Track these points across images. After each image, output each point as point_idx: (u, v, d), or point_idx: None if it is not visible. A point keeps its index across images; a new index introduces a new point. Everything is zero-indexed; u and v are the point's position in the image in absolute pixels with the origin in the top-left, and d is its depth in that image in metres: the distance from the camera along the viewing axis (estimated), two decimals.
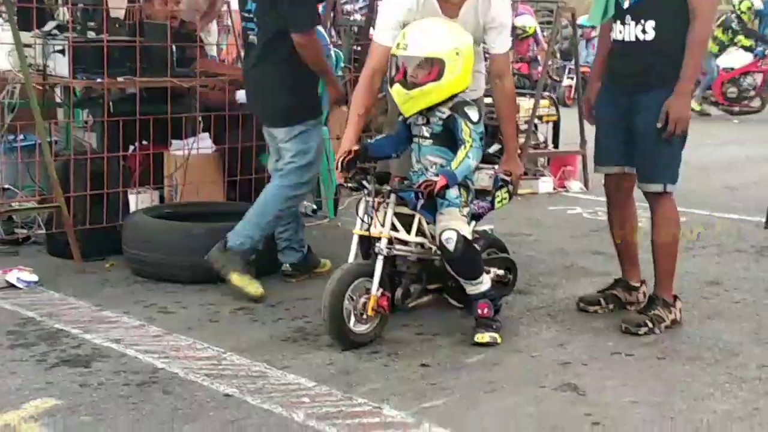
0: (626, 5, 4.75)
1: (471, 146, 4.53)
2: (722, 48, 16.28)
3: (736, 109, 16.94)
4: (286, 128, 5.64)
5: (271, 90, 5.71)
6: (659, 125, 4.64)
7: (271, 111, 5.78)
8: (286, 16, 5.40)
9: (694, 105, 12.22)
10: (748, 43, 14.72)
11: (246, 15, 5.86)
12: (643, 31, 4.69)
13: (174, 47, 6.36)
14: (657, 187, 4.82)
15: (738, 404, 4.00)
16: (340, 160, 4.71)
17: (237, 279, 5.45)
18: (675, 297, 4.98)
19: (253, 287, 5.47)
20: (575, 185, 8.88)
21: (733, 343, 4.79)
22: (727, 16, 15.10)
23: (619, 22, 4.79)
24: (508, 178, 4.96)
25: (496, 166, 5.06)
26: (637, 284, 5.28)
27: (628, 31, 4.76)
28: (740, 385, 4.21)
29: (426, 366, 4.35)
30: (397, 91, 4.61)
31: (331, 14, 10.35)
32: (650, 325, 4.83)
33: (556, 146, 9.40)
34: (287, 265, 6.03)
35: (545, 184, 8.67)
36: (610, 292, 5.30)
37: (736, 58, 16.61)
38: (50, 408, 3.71)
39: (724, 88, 16.65)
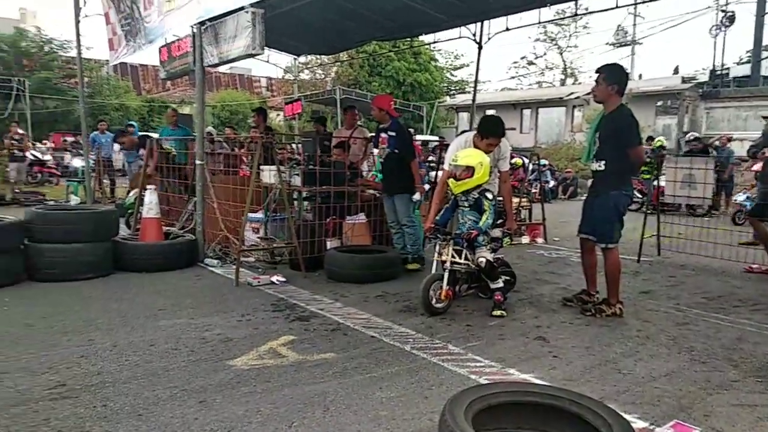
0: (594, 153, 4.60)
1: (489, 213, 4.58)
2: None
3: None
4: None
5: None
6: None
7: None
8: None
9: None
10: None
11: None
12: (599, 166, 4.56)
13: (348, 172, 6.51)
14: (603, 245, 4.60)
15: (627, 348, 3.93)
16: (427, 228, 4.86)
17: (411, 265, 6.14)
18: (618, 300, 4.64)
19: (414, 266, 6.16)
20: (539, 240, 8.72)
21: (626, 317, 4.64)
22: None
23: (593, 160, 4.61)
24: (509, 232, 4.99)
25: (504, 228, 5.05)
26: (593, 293, 4.85)
27: (594, 166, 4.61)
28: (628, 339, 4.13)
29: (469, 325, 4.37)
30: (452, 182, 4.66)
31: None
32: (593, 311, 4.64)
33: (529, 220, 9.35)
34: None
35: (525, 238, 8.54)
36: (578, 296, 4.92)
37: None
38: (289, 340, 3.92)
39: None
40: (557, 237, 8.91)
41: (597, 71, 4.59)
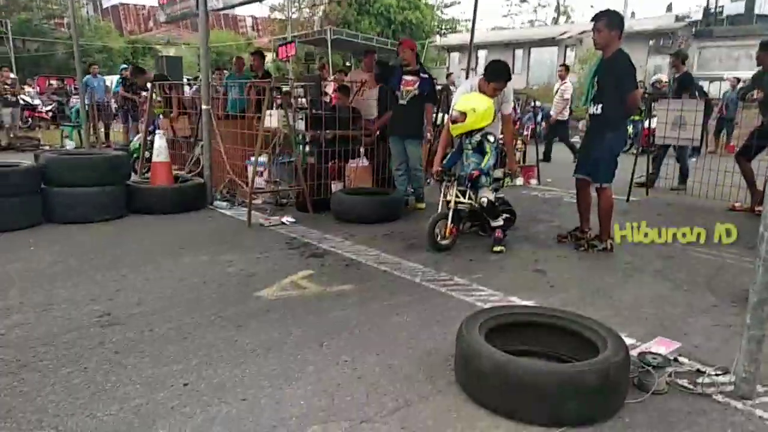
0: (591, 97, 4.77)
1: (490, 154, 4.83)
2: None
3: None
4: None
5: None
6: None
7: None
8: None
9: None
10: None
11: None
12: (597, 110, 4.72)
13: (352, 117, 6.66)
14: (598, 184, 4.83)
15: (616, 279, 4.28)
16: (435, 171, 5.10)
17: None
18: (609, 237, 4.93)
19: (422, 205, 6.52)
20: (533, 182, 9.00)
21: (616, 251, 4.96)
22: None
23: (591, 104, 4.77)
24: (510, 172, 5.24)
25: (505, 168, 5.29)
26: (587, 230, 5.10)
27: (592, 109, 4.78)
28: (617, 271, 4.48)
29: (472, 260, 4.68)
30: (451, 125, 4.90)
31: None
32: (585, 246, 4.95)
33: (523, 162, 9.61)
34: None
35: (519, 180, 8.75)
36: (572, 233, 5.19)
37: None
38: (308, 274, 4.22)
39: None
40: (549, 178, 9.21)
41: (595, 18, 4.71)
